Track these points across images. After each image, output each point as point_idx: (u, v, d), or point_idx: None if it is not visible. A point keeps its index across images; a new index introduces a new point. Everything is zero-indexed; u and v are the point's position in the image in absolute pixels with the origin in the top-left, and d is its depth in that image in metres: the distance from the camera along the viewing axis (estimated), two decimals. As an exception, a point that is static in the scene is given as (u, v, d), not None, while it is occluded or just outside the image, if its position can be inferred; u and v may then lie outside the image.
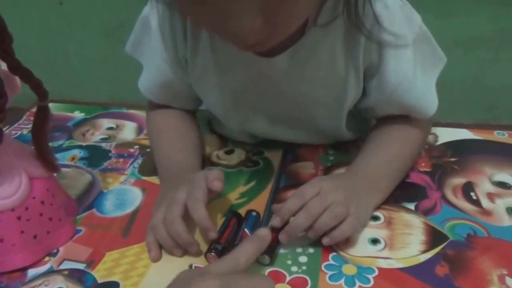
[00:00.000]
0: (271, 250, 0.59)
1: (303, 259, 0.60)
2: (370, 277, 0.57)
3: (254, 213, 0.66)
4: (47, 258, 0.62)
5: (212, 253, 0.58)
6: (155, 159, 0.75)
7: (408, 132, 0.73)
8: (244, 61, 0.68)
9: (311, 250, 0.61)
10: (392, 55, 0.66)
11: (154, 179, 0.76)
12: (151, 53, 0.74)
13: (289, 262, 0.59)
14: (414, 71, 0.67)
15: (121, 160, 0.82)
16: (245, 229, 0.63)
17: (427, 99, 0.71)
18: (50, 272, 0.60)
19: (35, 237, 0.60)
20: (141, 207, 0.71)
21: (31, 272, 0.60)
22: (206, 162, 0.80)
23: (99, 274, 0.59)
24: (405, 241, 0.62)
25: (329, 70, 0.68)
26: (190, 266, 0.60)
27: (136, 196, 0.73)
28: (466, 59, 1.85)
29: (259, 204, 0.70)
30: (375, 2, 0.62)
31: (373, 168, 0.68)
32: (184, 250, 0.61)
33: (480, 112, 2.02)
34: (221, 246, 0.59)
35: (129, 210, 0.70)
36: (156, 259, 0.61)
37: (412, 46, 0.66)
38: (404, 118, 0.72)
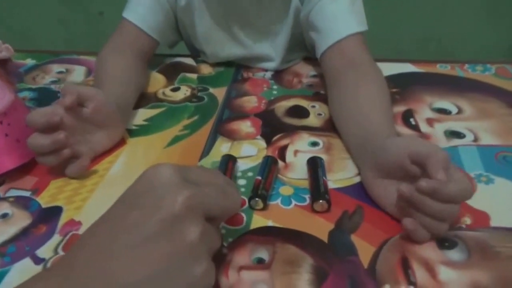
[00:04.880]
0: (265, 196, 0.52)
1: (242, 181, 0.56)
2: (306, 196, 0.54)
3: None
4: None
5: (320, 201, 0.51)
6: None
7: (370, 76, 0.66)
8: None
9: (250, 174, 0.58)
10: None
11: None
12: None
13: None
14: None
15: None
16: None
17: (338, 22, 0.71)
18: (-3, 199, 0.55)
19: None
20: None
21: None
22: (152, 99, 0.76)
23: (44, 200, 0.55)
24: (342, 165, 0.59)
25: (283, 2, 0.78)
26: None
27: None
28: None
29: (201, 135, 0.66)
30: None
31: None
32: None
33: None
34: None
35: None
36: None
37: None
38: (358, 72, 0.67)
